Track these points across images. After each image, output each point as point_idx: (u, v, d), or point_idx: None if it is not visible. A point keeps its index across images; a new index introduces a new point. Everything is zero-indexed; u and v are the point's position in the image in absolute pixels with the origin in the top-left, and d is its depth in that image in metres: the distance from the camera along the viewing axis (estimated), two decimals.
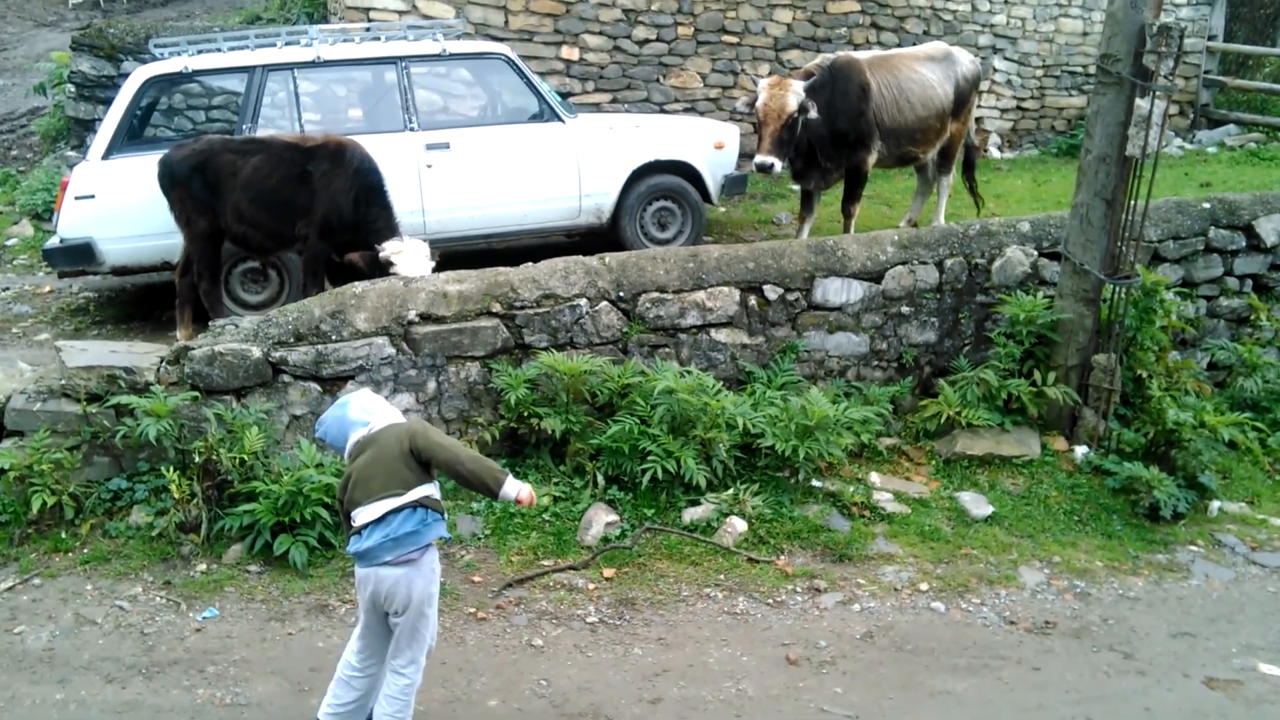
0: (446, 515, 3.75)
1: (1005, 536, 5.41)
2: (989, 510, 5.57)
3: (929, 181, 8.77)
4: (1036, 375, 6.03)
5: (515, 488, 3.58)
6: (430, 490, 3.59)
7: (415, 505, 3.52)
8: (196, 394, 5.20)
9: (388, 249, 6.35)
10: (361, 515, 3.53)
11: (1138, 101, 5.54)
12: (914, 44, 11.82)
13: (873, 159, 7.87)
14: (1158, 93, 5.47)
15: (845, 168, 7.82)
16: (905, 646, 4.57)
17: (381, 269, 6.28)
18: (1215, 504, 5.79)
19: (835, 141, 7.62)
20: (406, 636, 3.62)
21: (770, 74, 11.01)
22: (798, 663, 4.42)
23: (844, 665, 4.42)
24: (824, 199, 8.13)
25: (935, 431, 6.10)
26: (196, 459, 5.02)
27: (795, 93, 7.16)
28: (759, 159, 7.23)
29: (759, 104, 7.26)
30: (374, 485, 3.52)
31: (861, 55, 8.07)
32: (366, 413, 3.69)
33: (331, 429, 3.71)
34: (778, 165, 7.22)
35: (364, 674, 3.72)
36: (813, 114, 7.23)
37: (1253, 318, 7.00)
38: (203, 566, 4.93)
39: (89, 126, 9.49)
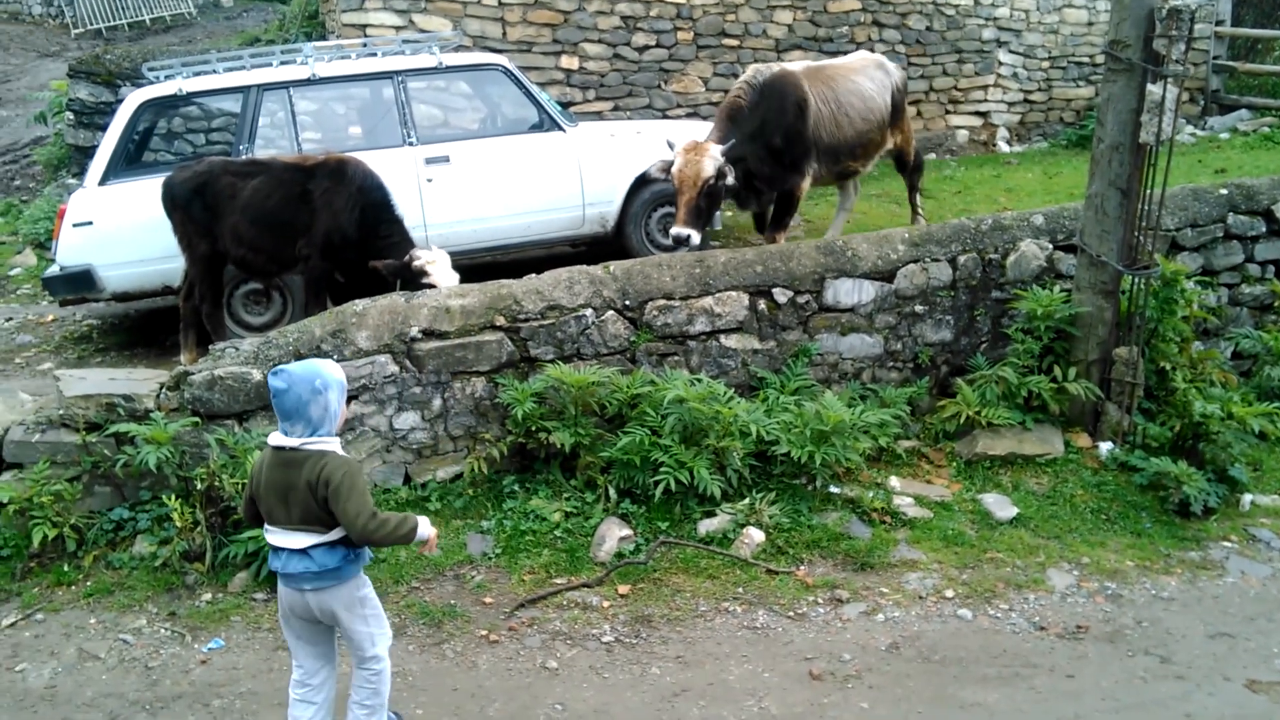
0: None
1: (1031, 538, 5.25)
2: (1013, 512, 5.41)
3: (850, 196, 8.35)
4: (1056, 371, 5.87)
5: (427, 530, 3.55)
6: None
7: (337, 543, 3.43)
8: (197, 419, 5.10)
9: (421, 257, 6.25)
10: (281, 539, 3.44)
11: (1149, 87, 5.40)
12: (916, 41, 11.73)
13: (807, 183, 7.14)
14: (1170, 77, 5.33)
15: (778, 191, 7.08)
16: (932, 657, 4.42)
17: (410, 278, 6.18)
18: (1247, 497, 5.61)
19: (771, 160, 6.87)
20: (352, 638, 3.57)
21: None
22: (821, 677, 4.26)
23: (869, 679, 4.26)
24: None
25: (955, 432, 5.95)
26: (199, 486, 4.92)
27: (712, 158, 6.41)
28: (675, 231, 6.45)
29: (674, 170, 6.50)
30: (295, 514, 3.40)
31: (795, 67, 7.35)
32: (320, 418, 3.37)
33: (288, 402, 3.34)
34: (695, 237, 6.42)
35: (314, 688, 3.65)
36: (730, 180, 6.55)
37: (1277, 304, 6.83)
38: (208, 596, 4.82)
39: (89, 153, 9.45)
